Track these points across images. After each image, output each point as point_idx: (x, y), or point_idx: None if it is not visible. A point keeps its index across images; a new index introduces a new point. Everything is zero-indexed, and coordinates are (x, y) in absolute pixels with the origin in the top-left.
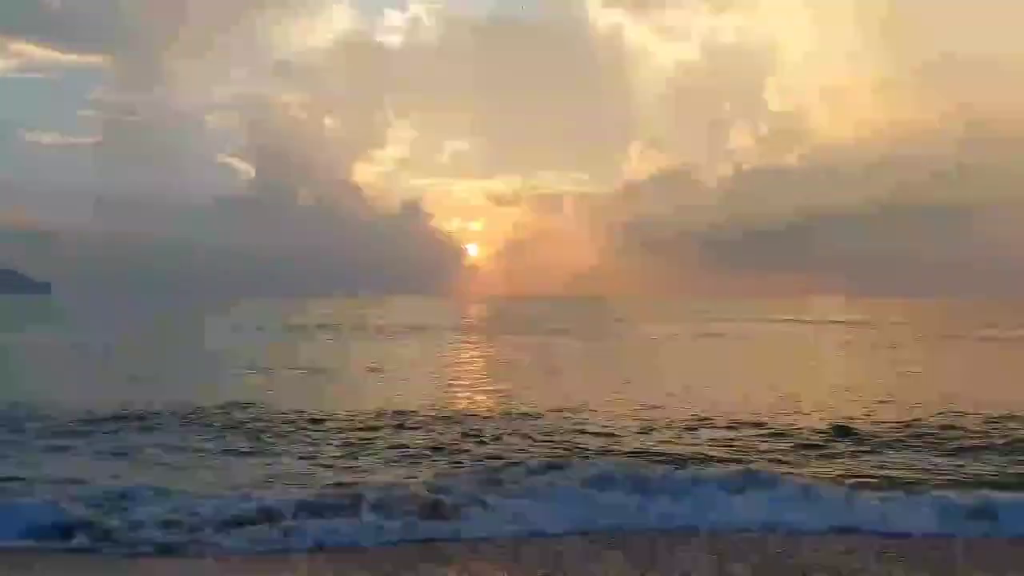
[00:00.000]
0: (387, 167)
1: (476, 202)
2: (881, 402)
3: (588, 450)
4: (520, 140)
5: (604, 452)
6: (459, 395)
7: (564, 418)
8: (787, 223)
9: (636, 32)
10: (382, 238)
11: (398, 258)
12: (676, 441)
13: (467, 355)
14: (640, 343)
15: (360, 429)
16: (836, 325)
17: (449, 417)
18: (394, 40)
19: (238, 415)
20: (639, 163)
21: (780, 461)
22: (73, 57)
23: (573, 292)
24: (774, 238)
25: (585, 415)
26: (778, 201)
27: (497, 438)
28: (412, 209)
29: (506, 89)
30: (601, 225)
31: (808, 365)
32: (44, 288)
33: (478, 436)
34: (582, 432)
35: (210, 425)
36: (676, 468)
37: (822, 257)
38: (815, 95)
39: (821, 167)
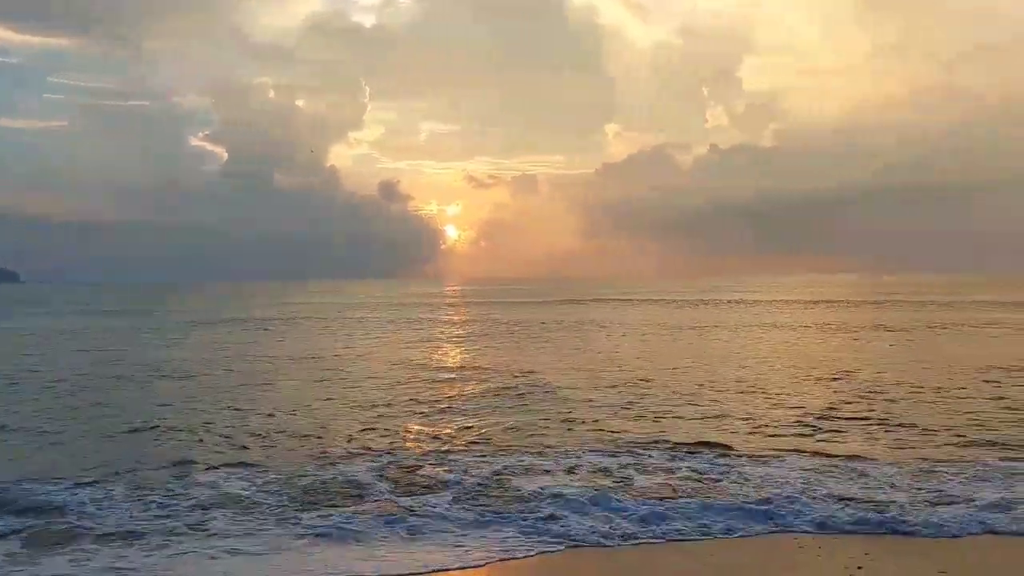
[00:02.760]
0: (363, 149)
1: (454, 184)
2: None
3: None
4: (497, 121)
5: None
6: None
7: None
8: (763, 201)
9: (613, 12)
10: (359, 221)
11: (376, 241)
12: None
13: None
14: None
15: None
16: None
17: None
18: (369, 20)
19: None
20: (616, 144)
21: None
22: (43, 40)
23: (552, 274)
24: (751, 217)
25: None
26: (753, 180)
27: None
28: (389, 191)
29: (482, 70)
30: (580, 206)
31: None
32: (12, 276)
33: None
34: None
35: None
36: None
37: (798, 235)
38: (790, 76)
39: (796, 146)
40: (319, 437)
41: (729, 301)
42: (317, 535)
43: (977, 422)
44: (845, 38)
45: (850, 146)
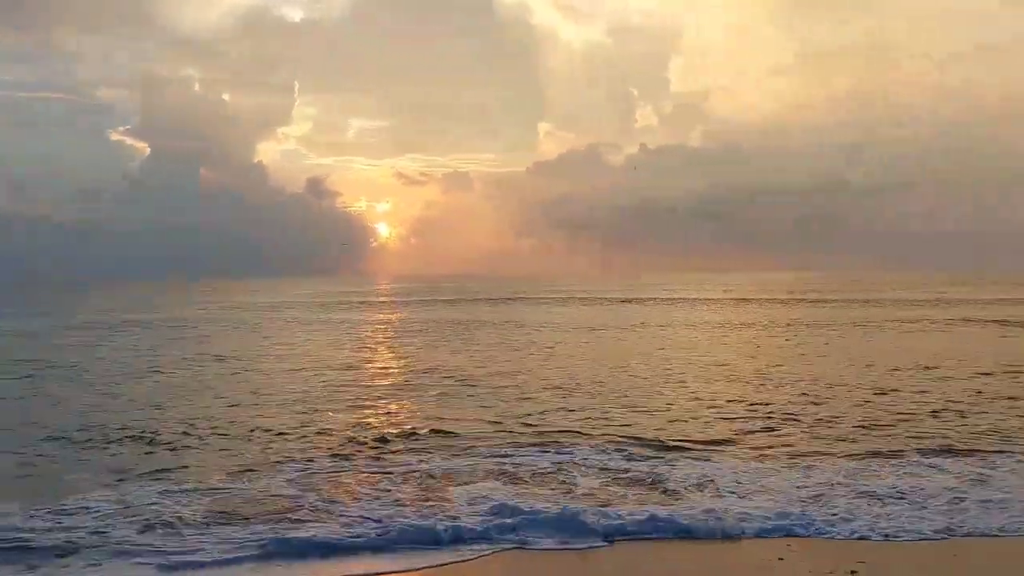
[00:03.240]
0: (291, 145)
1: (384, 181)
2: None
3: None
4: (428, 118)
5: None
6: None
7: None
8: (692, 201)
9: (543, 11)
10: (287, 218)
11: (304, 238)
12: None
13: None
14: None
15: None
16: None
17: None
18: (297, 14)
19: None
20: (548, 142)
21: None
22: None
23: (485, 272)
24: (680, 216)
25: None
26: (683, 179)
27: None
28: (318, 188)
29: (412, 67)
30: (512, 204)
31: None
32: None
33: None
34: None
35: None
36: None
37: (726, 234)
38: (717, 77)
39: (724, 146)
40: (246, 440)
41: (661, 300)
42: (250, 551)
43: (902, 416)
44: (768, 42)
45: (775, 147)
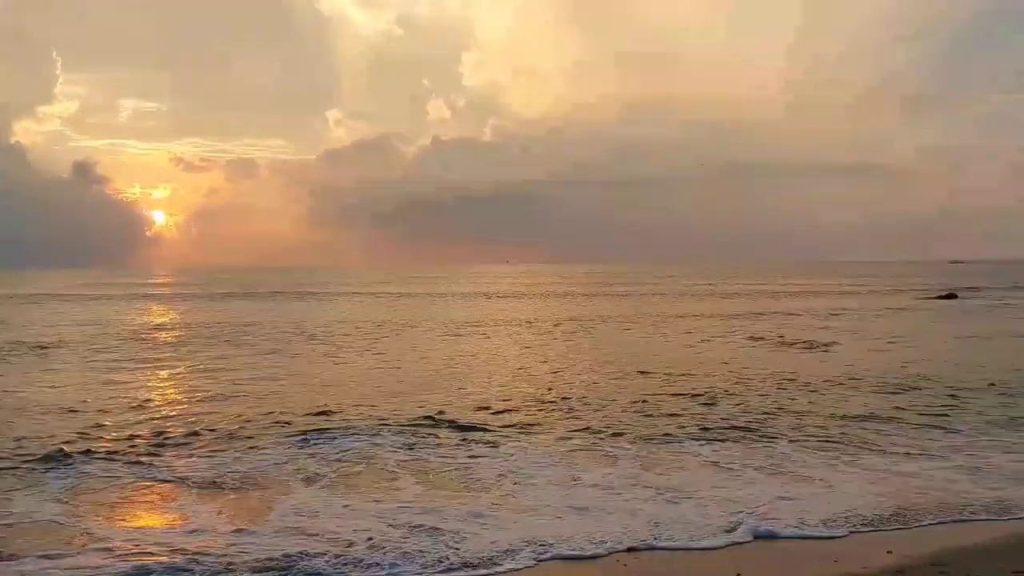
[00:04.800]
0: (54, 126)
1: (161, 166)
2: None
3: None
4: (208, 101)
5: None
6: None
7: None
8: (481, 193)
9: None
10: (49, 205)
11: (68, 227)
12: None
13: None
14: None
15: None
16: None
17: None
18: None
19: None
20: (338, 130)
21: None
22: None
23: (271, 263)
24: (470, 207)
25: None
26: (474, 171)
27: None
28: (86, 173)
29: (191, 47)
30: (301, 192)
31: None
32: None
33: None
34: None
35: None
36: None
37: (513, 225)
38: (506, 74)
39: (512, 140)
40: None
41: (451, 294)
42: None
43: (650, 399)
44: (555, 41)
45: (561, 142)
